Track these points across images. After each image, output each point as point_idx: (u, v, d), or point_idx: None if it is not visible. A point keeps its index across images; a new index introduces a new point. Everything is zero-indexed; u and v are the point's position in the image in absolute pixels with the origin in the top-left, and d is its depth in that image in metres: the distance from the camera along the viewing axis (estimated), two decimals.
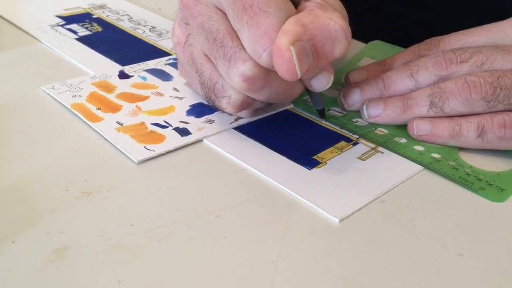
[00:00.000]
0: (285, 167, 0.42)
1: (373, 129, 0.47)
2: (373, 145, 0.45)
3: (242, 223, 0.36)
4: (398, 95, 0.47)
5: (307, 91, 0.45)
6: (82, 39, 0.63)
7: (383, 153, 0.44)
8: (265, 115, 0.49)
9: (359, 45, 0.62)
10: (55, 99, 0.49)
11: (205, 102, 0.49)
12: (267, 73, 0.40)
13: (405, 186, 0.40)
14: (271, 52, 0.38)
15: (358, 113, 0.49)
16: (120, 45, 0.61)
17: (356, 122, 0.48)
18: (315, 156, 0.43)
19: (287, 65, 0.37)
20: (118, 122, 0.46)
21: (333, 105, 0.50)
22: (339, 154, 0.44)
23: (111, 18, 0.70)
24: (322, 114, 0.47)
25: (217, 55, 0.41)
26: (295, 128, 0.47)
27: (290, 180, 0.40)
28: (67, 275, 0.31)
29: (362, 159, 0.43)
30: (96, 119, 0.46)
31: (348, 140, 0.46)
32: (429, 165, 0.42)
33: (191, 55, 0.45)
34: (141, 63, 0.57)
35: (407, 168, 0.42)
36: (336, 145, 0.45)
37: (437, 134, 0.44)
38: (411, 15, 0.70)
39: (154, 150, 0.43)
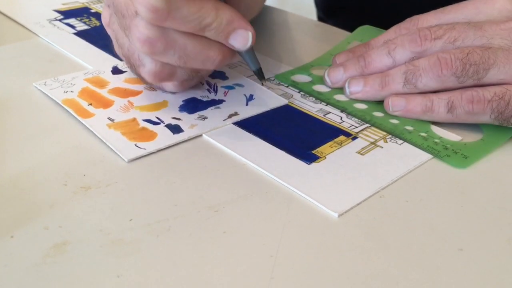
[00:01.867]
0: (284, 161, 0.42)
1: (353, 104, 0.50)
2: (372, 140, 0.45)
3: (241, 218, 0.36)
4: (378, 72, 0.50)
5: (240, 54, 0.46)
6: (81, 34, 0.63)
7: (382, 147, 0.44)
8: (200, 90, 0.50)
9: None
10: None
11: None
12: (164, 32, 0.41)
13: (404, 181, 0.40)
14: (148, 6, 0.38)
15: (341, 90, 0.52)
16: None
17: (338, 98, 0.51)
18: (314, 151, 0.43)
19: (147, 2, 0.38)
20: (109, 118, 0.46)
21: (320, 82, 0.53)
22: (338, 148, 0.44)
23: None
24: (260, 75, 0.48)
25: (124, 27, 0.43)
26: (294, 122, 0.47)
27: (289, 174, 0.40)
28: (66, 270, 0.31)
29: (361, 154, 0.43)
30: (87, 114, 0.46)
31: (347, 134, 0.45)
32: (400, 135, 0.46)
33: (114, 32, 0.46)
34: None
35: (406, 163, 0.42)
36: (335, 140, 0.45)
37: (411, 109, 0.47)
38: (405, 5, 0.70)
39: (145, 149, 0.42)
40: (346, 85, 0.50)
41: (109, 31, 0.48)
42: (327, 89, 0.52)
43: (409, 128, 0.46)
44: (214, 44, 0.43)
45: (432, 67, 0.46)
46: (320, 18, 0.95)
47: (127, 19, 0.42)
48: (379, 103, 0.50)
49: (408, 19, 0.52)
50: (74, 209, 0.36)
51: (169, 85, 0.48)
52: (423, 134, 0.46)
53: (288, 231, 0.35)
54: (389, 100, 0.48)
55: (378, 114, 0.48)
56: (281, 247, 0.34)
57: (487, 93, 0.44)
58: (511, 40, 0.45)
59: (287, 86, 0.53)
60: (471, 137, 0.46)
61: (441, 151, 0.44)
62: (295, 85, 0.53)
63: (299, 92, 0.52)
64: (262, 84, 0.52)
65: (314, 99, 0.51)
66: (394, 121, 0.47)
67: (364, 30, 0.62)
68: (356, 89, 0.50)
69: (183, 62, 0.43)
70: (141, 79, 0.47)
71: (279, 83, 0.53)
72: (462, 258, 0.34)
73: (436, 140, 0.45)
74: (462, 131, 0.46)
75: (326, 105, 0.50)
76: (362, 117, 0.48)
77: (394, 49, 0.49)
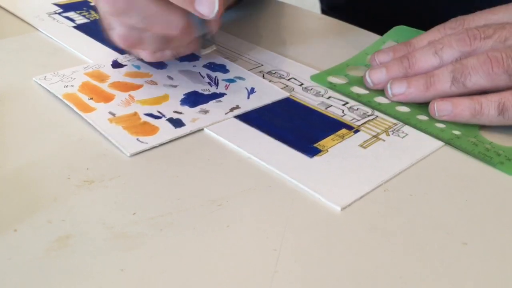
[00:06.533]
0: (286, 155, 0.42)
1: (395, 107, 0.48)
2: (374, 133, 0.45)
3: (244, 212, 0.36)
4: (423, 73, 0.48)
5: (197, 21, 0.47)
6: (80, 27, 0.63)
7: (384, 140, 0.44)
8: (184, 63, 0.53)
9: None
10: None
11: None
12: None
13: (409, 174, 0.40)
14: None
15: (381, 92, 0.50)
16: None
17: (379, 101, 0.49)
18: (316, 144, 0.43)
19: None
20: (110, 113, 0.46)
21: (358, 84, 0.52)
22: (340, 142, 0.44)
23: None
24: (207, 40, 0.49)
25: None
26: (295, 116, 0.47)
27: (291, 168, 0.40)
28: (69, 263, 0.31)
29: (363, 147, 0.43)
30: (88, 109, 0.46)
31: (349, 127, 0.45)
32: (450, 141, 0.44)
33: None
34: None
35: (408, 156, 0.42)
36: (337, 133, 0.45)
37: (459, 114, 0.45)
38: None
39: (147, 143, 0.42)
40: (388, 86, 0.48)
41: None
42: (366, 91, 0.50)
43: (457, 132, 0.45)
44: (176, 8, 0.44)
45: (482, 65, 0.44)
46: (324, 11, 0.94)
47: None
48: (422, 106, 0.48)
49: (453, 20, 0.50)
50: (77, 202, 0.36)
51: (142, 53, 0.49)
52: (472, 139, 0.44)
53: (291, 225, 0.35)
54: (435, 105, 0.46)
55: (423, 117, 0.46)
56: (285, 241, 0.34)
57: None
58: None
59: (324, 91, 0.51)
60: None
61: (494, 158, 0.42)
62: (332, 87, 0.51)
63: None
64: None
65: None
66: (440, 125, 0.46)
67: (399, 30, 0.60)
68: (399, 90, 0.48)
69: (146, 25, 0.44)
70: (114, 43, 0.48)
71: (280, 76, 0.53)
72: (466, 252, 0.34)
73: (487, 146, 0.43)
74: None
75: (364, 105, 0.49)
76: (406, 120, 0.46)
77: (441, 49, 0.47)
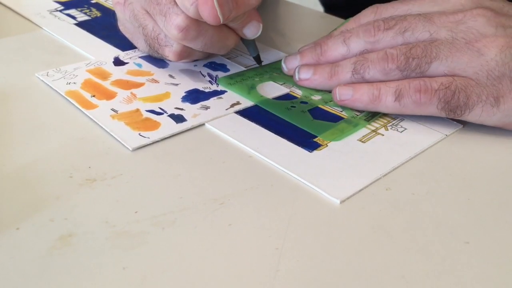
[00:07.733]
0: (286, 150, 0.42)
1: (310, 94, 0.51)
2: (373, 128, 0.45)
3: (246, 210, 0.36)
4: (333, 60, 0.50)
5: (243, 42, 0.53)
6: (82, 24, 0.63)
7: (383, 135, 0.44)
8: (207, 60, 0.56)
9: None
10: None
11: (145, 53, 0.55)
12: (199, 24, 0.47)
13: (410, 173, 0.40)
14: (197, 5, 0.44)
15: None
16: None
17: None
18: (316, 139, 0.43)
19: (210, 11, 0.43)
20: (112, 109, 0.46)
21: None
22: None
23: (110, 3, 0.69)
24: (258, 60, 0.54)
25: (154, 12, 0.48)
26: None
27: (291, 162, 0.41)
28: (72, 262, 0.32)
29: (362, 142, 0.43)
30: (90, 106, 0.46)
31: (348, 122, 0.46)
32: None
33: (133, 12, 0.51)
34: (136, 50, 0.56)
35: (407, 150, 0.43)
36: (337, 127, 0.45)
37: (358, 99, 0.47)
38: None
39: (148, 137, 0.43)
40: (296, 70, 0.51)
41: (119, 9, 0.52)
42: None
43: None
44: (232, 34, 0.50)
45: (380, 60, 0.46)
46: (326, 11, 0.95)
47: (162, 6, 0.47)
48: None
49: (368, 8, 0.53)
50: (79, 201, 0.36)
51: (184, 60, 0.53)
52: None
53: (293, 223, 0.35)
54: (337, 89, 0.48)
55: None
56: (287, 240, 0.34)
57: (434, 83, 0.44)
58: (457, 32, 0.45)
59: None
60: None
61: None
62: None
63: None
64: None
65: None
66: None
67: None
68: (305, 76, 0.50)
69: (205, 48, 0.50)
70: (161, 55, 0.52)
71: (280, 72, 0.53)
72: (468, 251, 0.34)
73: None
74: None
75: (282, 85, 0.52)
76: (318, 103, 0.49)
77: (349, 38, 0.49)
